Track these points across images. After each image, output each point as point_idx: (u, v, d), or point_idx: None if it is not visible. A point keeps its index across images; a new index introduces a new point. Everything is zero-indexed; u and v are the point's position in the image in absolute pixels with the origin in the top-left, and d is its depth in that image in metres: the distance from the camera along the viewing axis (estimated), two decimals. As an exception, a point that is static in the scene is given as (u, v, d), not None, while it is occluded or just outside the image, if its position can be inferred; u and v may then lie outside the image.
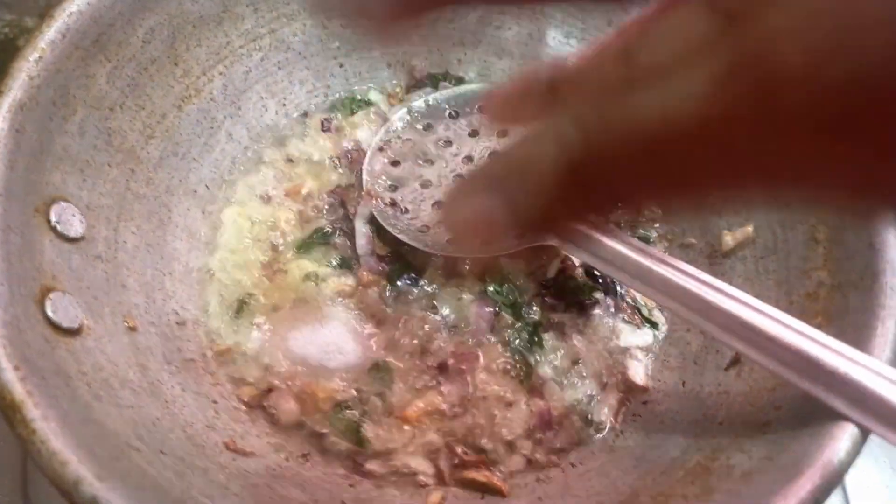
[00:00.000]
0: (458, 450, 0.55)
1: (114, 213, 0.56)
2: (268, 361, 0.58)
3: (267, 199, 0.67)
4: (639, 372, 0.60)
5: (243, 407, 0.56)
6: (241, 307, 0.60)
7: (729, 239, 0.62)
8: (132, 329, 0.52)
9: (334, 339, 0.60)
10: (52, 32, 0.52)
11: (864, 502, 0.66)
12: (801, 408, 0.48)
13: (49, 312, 0.45)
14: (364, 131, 0.71)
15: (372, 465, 0.55)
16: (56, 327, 0.45)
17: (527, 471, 0.56)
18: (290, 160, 0.70)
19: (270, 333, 0.59)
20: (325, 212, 0.67)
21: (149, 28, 0.60)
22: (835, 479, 0.42)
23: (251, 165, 0.69)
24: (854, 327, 0.49)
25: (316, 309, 0.61)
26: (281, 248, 0.64)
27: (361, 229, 0.64)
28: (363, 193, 0.65)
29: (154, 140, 0.61)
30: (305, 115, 0.73)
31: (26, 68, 0.50)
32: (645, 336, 0.62)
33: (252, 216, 0.66)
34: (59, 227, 0.49)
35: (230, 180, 0.68)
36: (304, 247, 0.64)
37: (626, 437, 0.57)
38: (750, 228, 0.61)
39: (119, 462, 0.40)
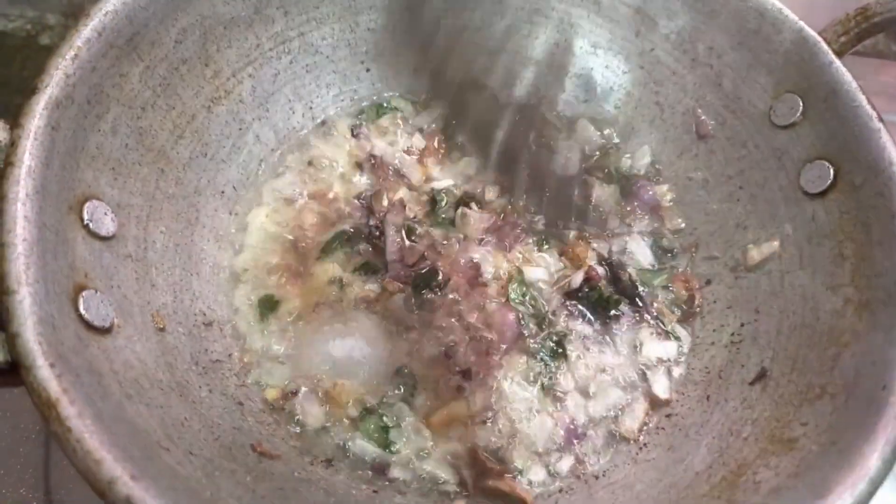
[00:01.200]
0: (483, 457, 0.55)
1: (144, 213, 0.56)
2: (292, 363, 0.58)
3: (292, 202, 0.67)
4: (662, 384, 0.60)
5: (269, 409, 0.56)
6: (267, 309, 0.61)
7: (755, 253, 0.62)
8: (161, 329, 0.53)
9: (358, 343, 0.60)
10: (88, 31, 0.52)
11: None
12: (830, 424, 0.48)
13: (82, 310, 0.45)
14: (389, 137, 0.71)
15: (396, 472, 0.55)
16: (89, 325, 0.45)
17: (550, 482, 0.56)
18: (314, 164, 0.70)
19: (296, 336, 0.59)
20: (348, 216, 0.67)
21: (181, 28, 0.60)
22: (865, 499, 0.42)
23: (278, 168, 0.69)
24: (883, 345, 0.49)
25: (340, 314, 0.61)
26: (305, 251, 0.64)
27: (393, 237, 0.64)
28: (394, 203, 0.65)
29: (184, 140, 0.61)
30: (332, 119, 0.73)
31: (63, 66, 0.49)
32: (668, 349, 0.62)
33: (278, 219, 0.66)
34: (91, 226, 0.49)
35: (257, 182, 0.68)
36: (328, 250, 0.64)
37: (650, 450, 0.57)
38: (776, 243, 0.61)
39: (151, 462, 0.40)
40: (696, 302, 0.64)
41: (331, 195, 0.67)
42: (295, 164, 0.69)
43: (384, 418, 0.56)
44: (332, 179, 0.69)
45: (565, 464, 0.56)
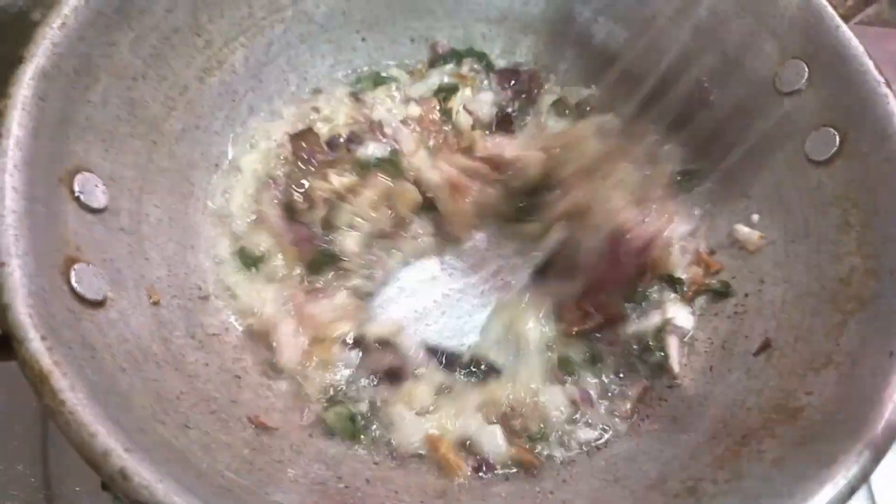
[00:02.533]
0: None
1: (136, 186, 0.55)
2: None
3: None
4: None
5: (266, 380, 0.56)
6: (254, 262, 0.61)
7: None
8: (155, 303, 0.52)
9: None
10: (75, -1, 0.50)
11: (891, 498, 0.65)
12: (835, 393, 0.47)
13: (74, 284, 0.44)
14: (386, 106, 0.70)
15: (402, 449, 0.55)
16: (81, 299, 0.44)
17: (552, 452, 0.55)
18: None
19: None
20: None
21: (172, -3, 0.59)
22: (870, 467, 0.41)
23: (271, 141, 0.68)
24: (889, 313, 0.48)
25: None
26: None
27: None
28: None
29: (176, 112, 0.60)
30: (328, 89, 0.72)
31: (50, 35, 0.48)
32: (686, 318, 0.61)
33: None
34: (82, 198, 0.48)
35: (252, 154, 0.67)
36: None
37: (652, 422, 0.56)
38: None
39: (146, 435, 0.40)
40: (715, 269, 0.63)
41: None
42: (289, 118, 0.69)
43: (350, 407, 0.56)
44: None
45: (567, 436, 0.56)
